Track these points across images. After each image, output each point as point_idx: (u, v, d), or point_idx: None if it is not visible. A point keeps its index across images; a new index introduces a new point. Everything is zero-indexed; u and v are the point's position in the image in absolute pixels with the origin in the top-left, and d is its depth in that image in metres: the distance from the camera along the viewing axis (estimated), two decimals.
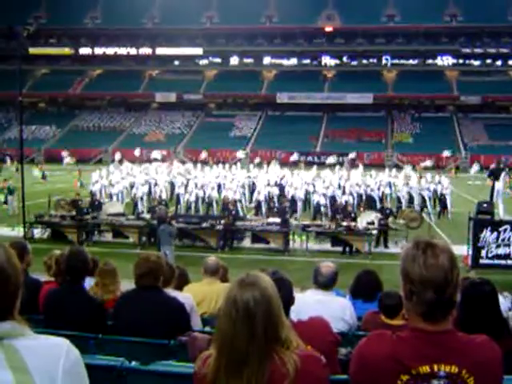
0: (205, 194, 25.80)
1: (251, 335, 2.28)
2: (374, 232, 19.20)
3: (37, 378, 1.71)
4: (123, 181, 28.34)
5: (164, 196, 25.59)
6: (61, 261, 6.41)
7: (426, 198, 26.06)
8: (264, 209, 24.48)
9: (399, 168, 38.36)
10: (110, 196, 27.05)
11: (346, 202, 22.37)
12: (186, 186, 27.07)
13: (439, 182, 27.37)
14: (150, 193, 27.93)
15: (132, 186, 27.82)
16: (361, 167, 33.78)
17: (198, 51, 71.49)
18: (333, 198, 24.92)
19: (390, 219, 20.57)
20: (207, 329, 5.52)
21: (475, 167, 42.34)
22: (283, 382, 2.27)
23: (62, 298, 5.41)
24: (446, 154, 49.48)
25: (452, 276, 2.29)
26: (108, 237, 20.92)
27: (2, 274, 1.80)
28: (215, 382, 2.33)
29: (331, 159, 50.14)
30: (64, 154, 52.48)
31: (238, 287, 2.36)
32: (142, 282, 5.04)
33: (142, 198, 26.11)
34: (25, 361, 1.72)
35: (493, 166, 39.25)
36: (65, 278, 5.81)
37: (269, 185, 27.27)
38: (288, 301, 3.29)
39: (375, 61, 70.29)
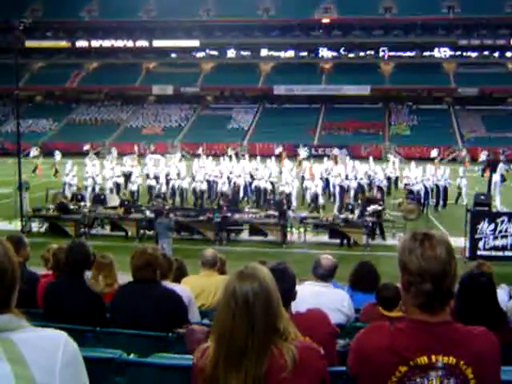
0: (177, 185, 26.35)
1: (250, 327, 2.29)
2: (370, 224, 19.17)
3: (35, 370, 1.71)
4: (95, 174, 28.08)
5: (134, 188, 26.23)
6: (59, 254, 6.42)
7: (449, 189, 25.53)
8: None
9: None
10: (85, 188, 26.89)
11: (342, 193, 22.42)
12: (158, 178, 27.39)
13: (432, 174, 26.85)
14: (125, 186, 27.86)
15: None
16: (371, 159, 32.52)
17: (195, 44, 71.27)
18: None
19: (387, 211, 20.60)
20: (205, 321, 5.53)
21: (483, 156, 41.18)
22: (281, 373, 2.28)
23: (63, 290, 5.41)
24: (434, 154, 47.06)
25: (450, 267, 2.29)
26: (106, 230, 20.88)
27: None
28: (214, 374, 2.33)
29: (336, 151, 49.87)
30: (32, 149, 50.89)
31: (236, 279, 2.36)
32: (138, 275, 5.04)
33: (112, 191, 26.38)
34: (22, 354, 1.72)
35: (483, 158, 39.30)
36: (64, 271, 5.81)
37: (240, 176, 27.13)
38: (289, 293, 3.29)
39: (372, 53, 70.09)
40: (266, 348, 2.30)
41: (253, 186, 26.29)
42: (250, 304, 2.29)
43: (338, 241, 18.96)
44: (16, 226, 20.00)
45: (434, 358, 2.27)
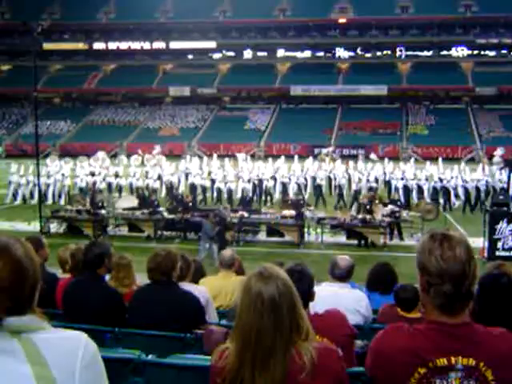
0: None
1: (278, 327, 2.30)
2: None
3: (55, 371, 1.72)
4: (57, 174, 27.68)
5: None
6: (77, 255, 6.45)
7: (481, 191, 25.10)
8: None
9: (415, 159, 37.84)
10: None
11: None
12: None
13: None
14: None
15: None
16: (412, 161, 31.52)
17: (212, 45, 71.38)
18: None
19: (405, 212, 20.48)
20: (223, 322, 5.54)
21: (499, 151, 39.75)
22: (300, 374, 2.28)
23: (83, 289, 5.45)
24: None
25: (469, 268, 2.28)
26: (124, 231, 20.92)
27: (19, 268, 1.81)
28: (237, 375, 2.33)
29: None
30: None
31: (259, 280, 2.36)
32: (152, 277, 5.10)
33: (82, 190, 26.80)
34: (43, 354, 1.73)
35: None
36: (82, 271, 5.83)
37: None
38: (307, 294, 3.28)
39: (389, 52, 69.78)
40: (290, 348, 2.31)
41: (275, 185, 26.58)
42: (277, 303, 2.31)
43: (355, 241, 18.90)
44: (35, 226, 20.15)
45: (453, 359, 2.26)
